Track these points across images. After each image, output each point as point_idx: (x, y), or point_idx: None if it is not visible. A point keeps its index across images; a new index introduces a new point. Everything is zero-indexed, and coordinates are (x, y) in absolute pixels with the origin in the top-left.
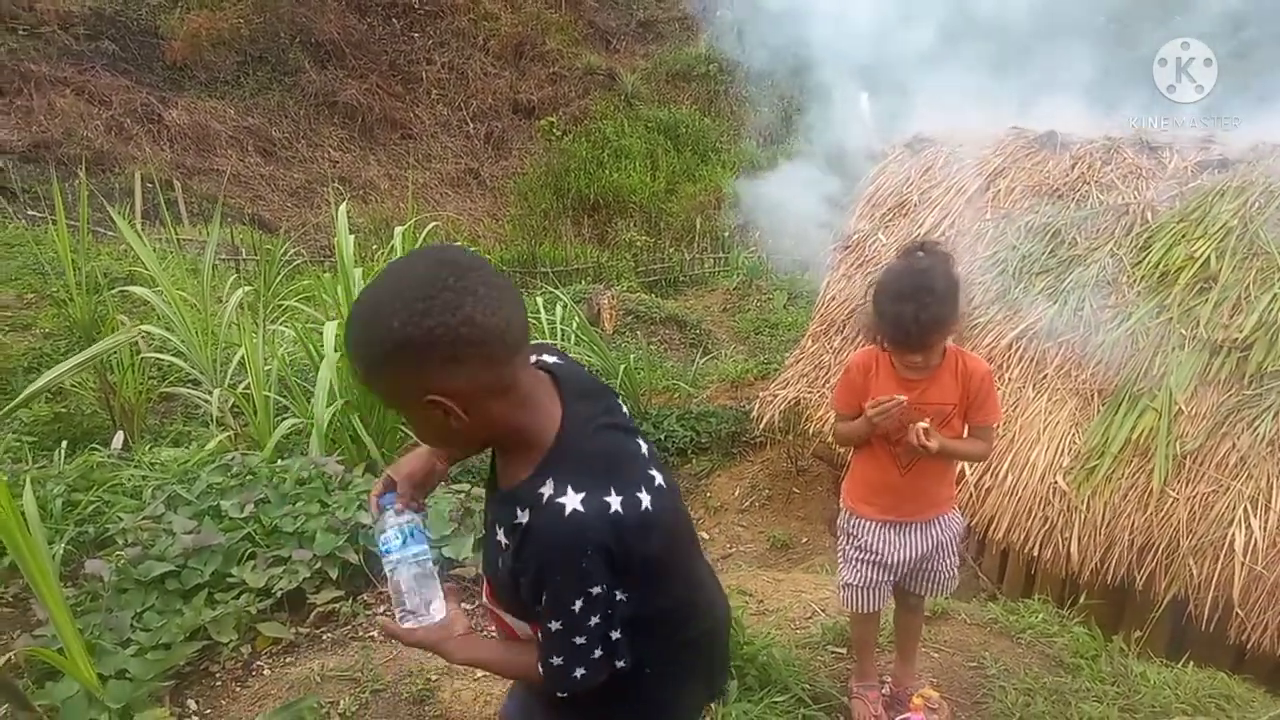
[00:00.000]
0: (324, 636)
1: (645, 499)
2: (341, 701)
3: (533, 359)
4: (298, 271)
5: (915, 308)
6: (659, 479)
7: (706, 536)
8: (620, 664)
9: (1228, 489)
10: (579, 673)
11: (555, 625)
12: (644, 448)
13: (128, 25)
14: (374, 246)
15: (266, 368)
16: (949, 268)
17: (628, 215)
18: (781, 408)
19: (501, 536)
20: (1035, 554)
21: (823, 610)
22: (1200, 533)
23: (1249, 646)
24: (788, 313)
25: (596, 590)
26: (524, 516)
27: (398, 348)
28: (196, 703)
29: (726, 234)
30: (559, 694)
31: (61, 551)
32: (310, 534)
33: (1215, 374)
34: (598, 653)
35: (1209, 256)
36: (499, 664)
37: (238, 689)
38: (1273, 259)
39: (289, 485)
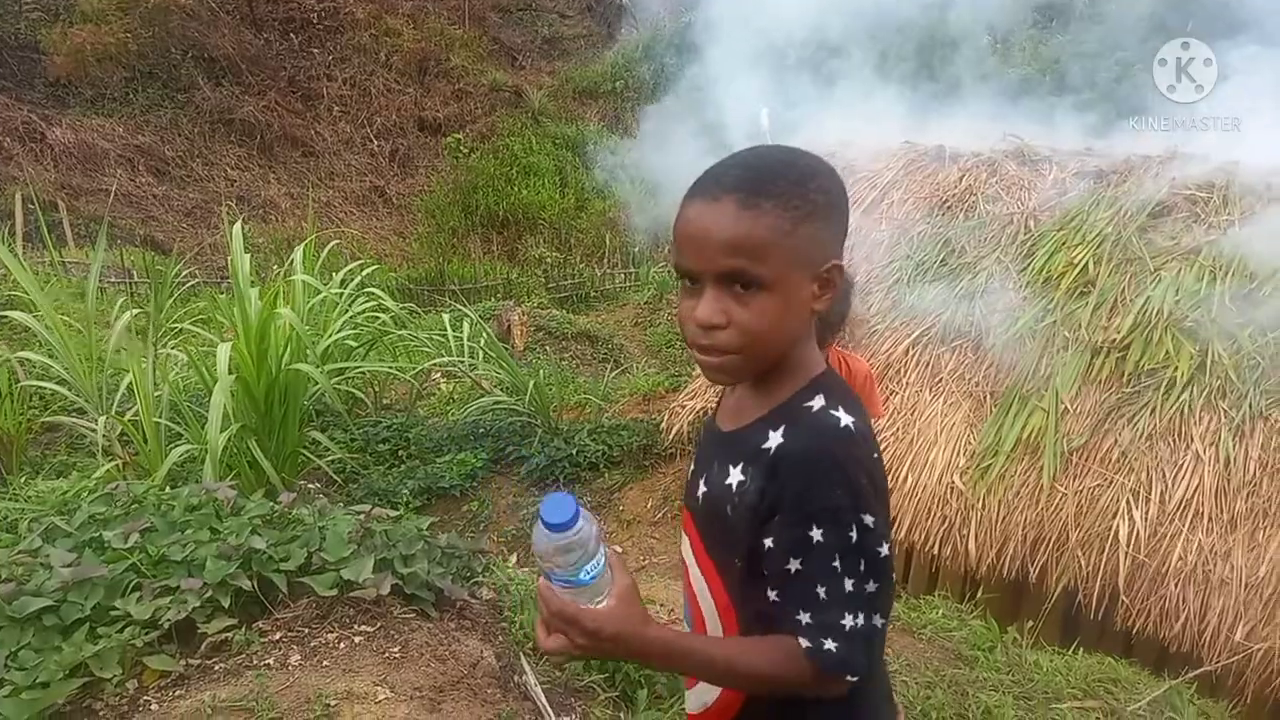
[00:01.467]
0: (216, 667)
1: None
2: None
3: None
4: (193, 294)
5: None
6: None
7: (620, 550)
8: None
9: (1111, 482)
10: (876, 622)
11: (831, 557)
12: None
13: (5, 40)
14: (274, 267)
15: (157, 393)
16: None
17: (537, 232)
18: (690, 418)
19: (737, 474)
20: (935, 552)
21: None
22: (1087, 525)
23: (1134, 631)
24: None
25: (870, 520)
26: (776, 437)
27: (832, 200)
28: None
29: (636, 249)
30: (847, 676)
31: None
32: (200, 562)
33: (1097, 373)
34: (877, 616)
35: (1087, 262)
36: (728, 662)
37: None
38: (1145, 264)
39: (178, 513)
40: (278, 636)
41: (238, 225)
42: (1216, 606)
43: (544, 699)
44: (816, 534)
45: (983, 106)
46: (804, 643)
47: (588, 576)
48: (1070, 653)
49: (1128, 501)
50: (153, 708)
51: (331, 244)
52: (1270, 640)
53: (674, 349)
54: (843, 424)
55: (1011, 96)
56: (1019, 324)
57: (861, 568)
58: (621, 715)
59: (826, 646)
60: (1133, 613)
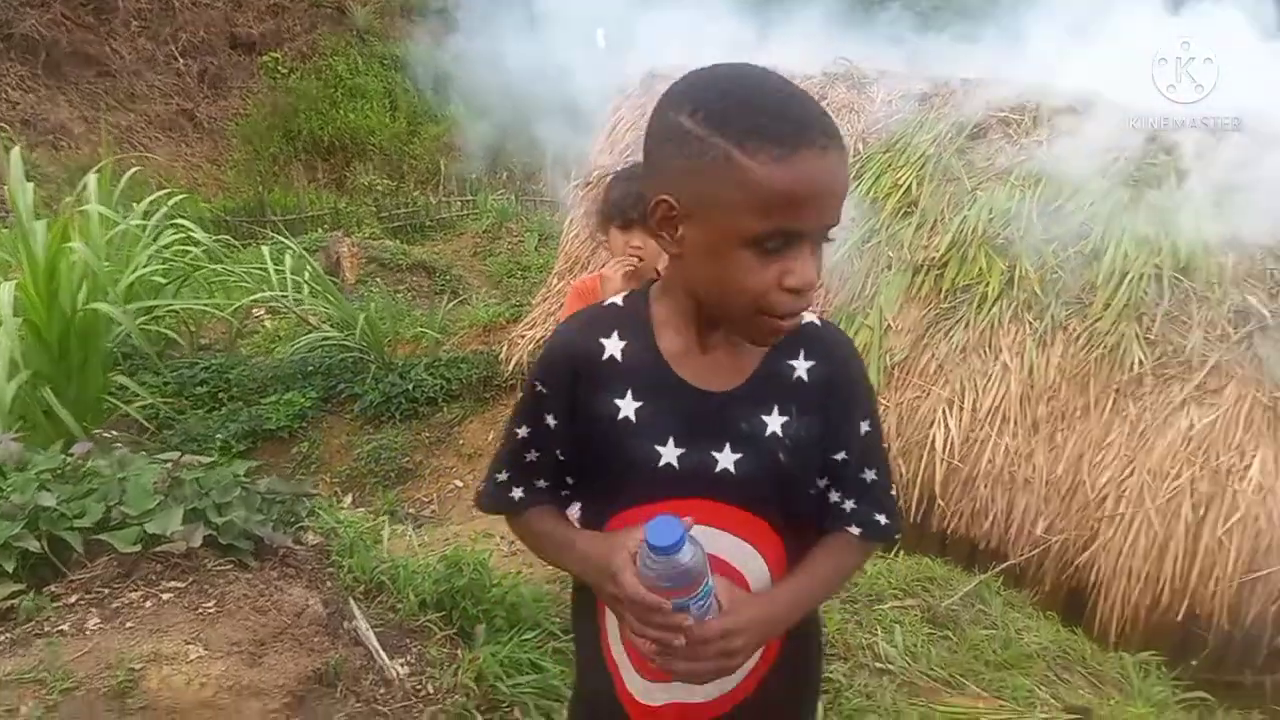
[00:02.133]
0: (1, 637)
1: None
2: (23, 707)
3: None
4: None
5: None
6: None
7: (460, 484)
8: None
9: (929, 394)
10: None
11: (876, 443)
12: None
13: None
14: (67, 198)
15: None
16: None
17: (367, 158)
18: (530, 348)
19: (777, 418)
20: None
21: None
22: (907, 435)
23: (949, 532)
24: (539, 254)
25: None
26: (803, 364)
27: None
28: None
29: (474, 176)
30: (897, 535)
31: None
32: None
33: (918, 291)
34: None
35: (910, 183)
36: (826, 582)
37: None
38: (963, 184)
39: None
40: (73, 600)
41: (15, 151)
42: (1021, 505)
43: (375, 642)
44: (865, 426)
45: (813, 27)
46: (855, 530)
47: (706, 606)
48: (891, 556)
49: (943, 411)
50: None
51: (132, 171)
52: (1066, 533)
53: (514, 279)
54: (829, 321)
55: (841, 17)
56: (848, 244)
57: (885, 442)
58: (459, 651)
59: (882, 521)
60: (948, 514)
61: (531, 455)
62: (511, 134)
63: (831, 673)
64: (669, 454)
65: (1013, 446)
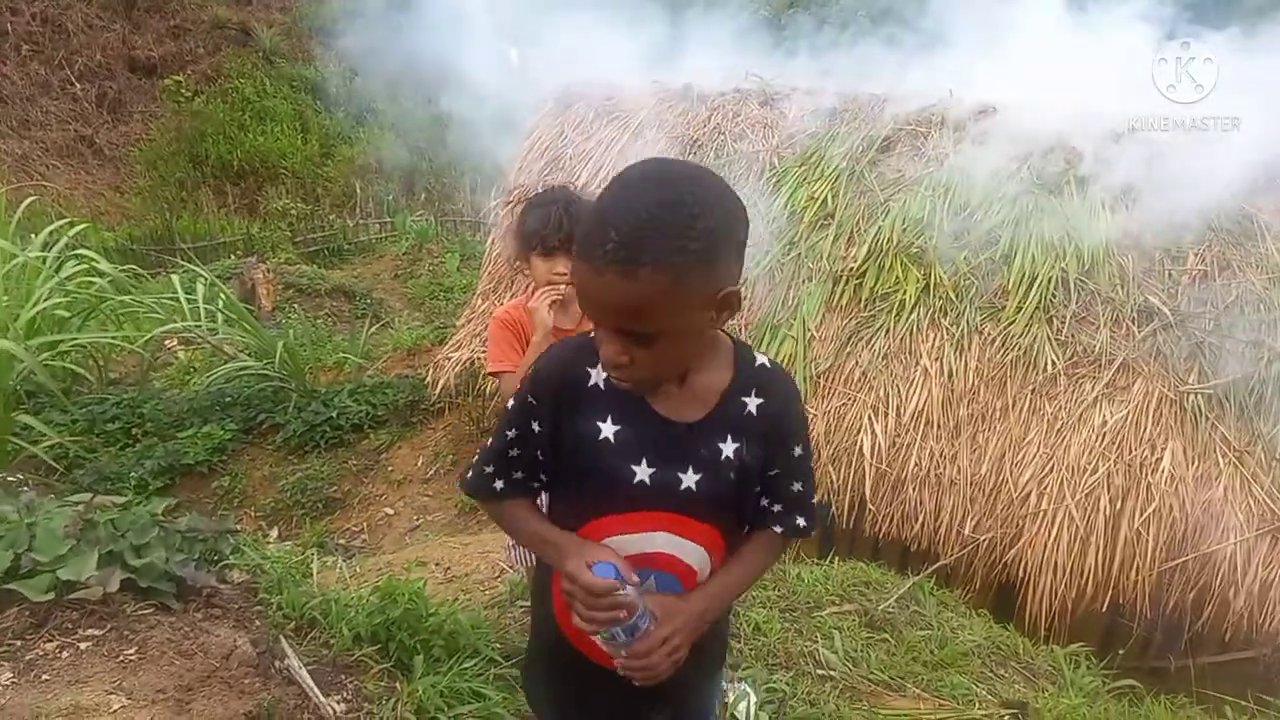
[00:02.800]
0: None
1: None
2: None
3: None
4: None
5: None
6: None
7: (391, 512)
8: None
9: (855, 400)
10: None
11: (805, 462)
12: None
13: None
14: None
15: None
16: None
17: (279, 182)
18: (457, 370)
19: (730, 445)
20: None
21: (511, 567)
22: (836, 442)
23: (881, 536)
24: (462, 275)
25: None
26: (754, 401)
27: (718, 236)
28: None
29: (390, 198)
30: (812, 534)
31: None
32: None
33: (838, 300)
34: None
35: (826, 196)
36: (750, 573)
37: None
38: (876, 195)
39: None
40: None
41: None
42: (948, 505)
43: (309, 680)
44: (798, 450)
45: (725, 44)
46: (778, 529)
47: (644, 623)
48: (828, 563)
49: (869, 417)
50: None
51: (28, 200)
52: (992, 531)
53: (437, 300)
54: (777, 363)
55: (747, 33)
56: (769, 257)
57: (812, 460)
58: (397, 684)
59: (801, 523)
60: (879, 518)
61: (515, 452)
62: (427, 154)
63: (775, 682)
64: (642, 472)
65: (937, 449)
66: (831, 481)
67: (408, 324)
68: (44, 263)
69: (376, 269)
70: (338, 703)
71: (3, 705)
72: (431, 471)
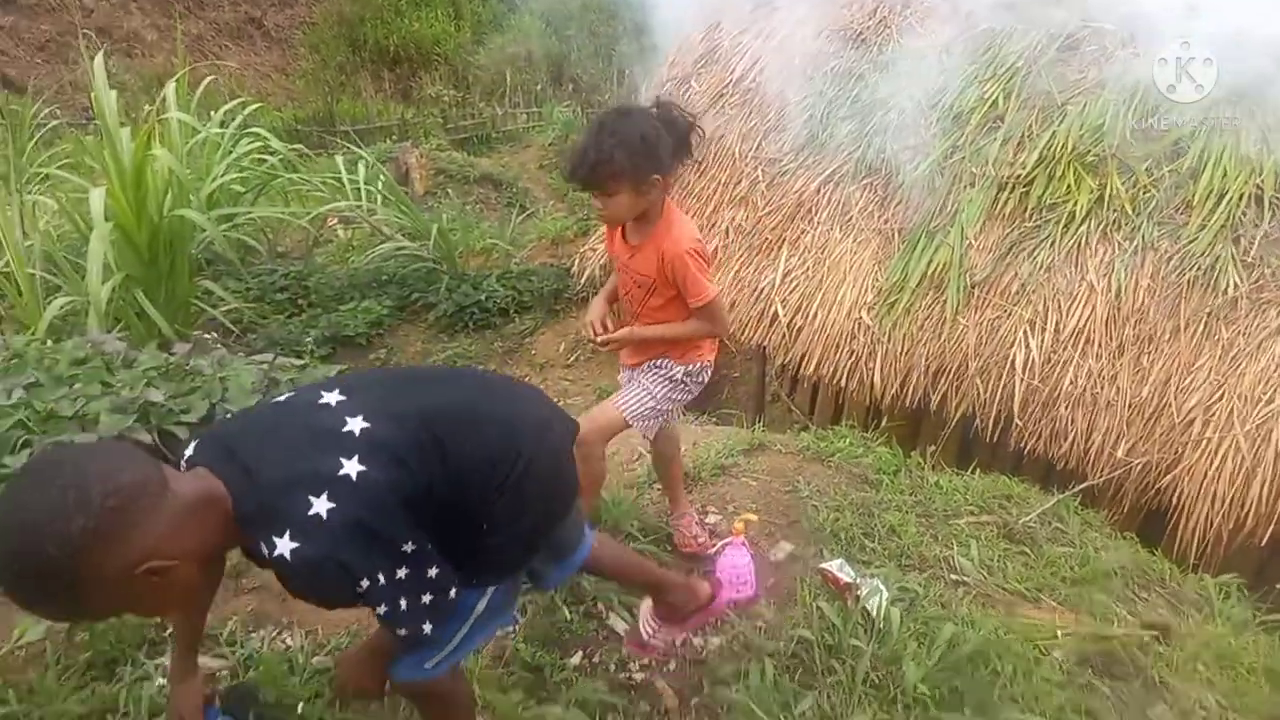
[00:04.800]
0: None
1: (349, 468)
2: None
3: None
4: (56, 136)
5: (592, 144)
6: (355, 425)
7: None
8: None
9: (1010, 314)
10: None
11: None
12: (326, 401)
13: None
14: (145, 105)
15: (28, 243)
16: (649, 123)
17: (433, 68)
18: (601, 262)
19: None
20: (843, 385)
21: (648, 453)
22: (986, 355)
23: (1026, 452)
24: None
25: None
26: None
27: (76, 555)
28: None
29: (539, 87)
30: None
31: None
32: (94, 416)
33: (1001, 208)
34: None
35: (997, 97)
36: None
37: None
38: (1053, 98)
39: (64, 367)
40: None
41: (99, 58)
42: (1101, 426)
43: None
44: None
45: None
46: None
47: None
48: (968, 473)
49: (1025, 331)
50: None
51: (207, 80)
52: (1148, 455)
53: (579, 192)
54: (290, 559)
55: None
56: (929, 161)
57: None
58: None
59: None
60: (1025, 434)
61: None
62: (577, 43)
63: (907, 582)
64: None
65: (1095, 369)
66: (979, 394)
67: (551, 214)
68: (221, 139)
69: (523, 158)
70: None
71: None
72: (573, 357)
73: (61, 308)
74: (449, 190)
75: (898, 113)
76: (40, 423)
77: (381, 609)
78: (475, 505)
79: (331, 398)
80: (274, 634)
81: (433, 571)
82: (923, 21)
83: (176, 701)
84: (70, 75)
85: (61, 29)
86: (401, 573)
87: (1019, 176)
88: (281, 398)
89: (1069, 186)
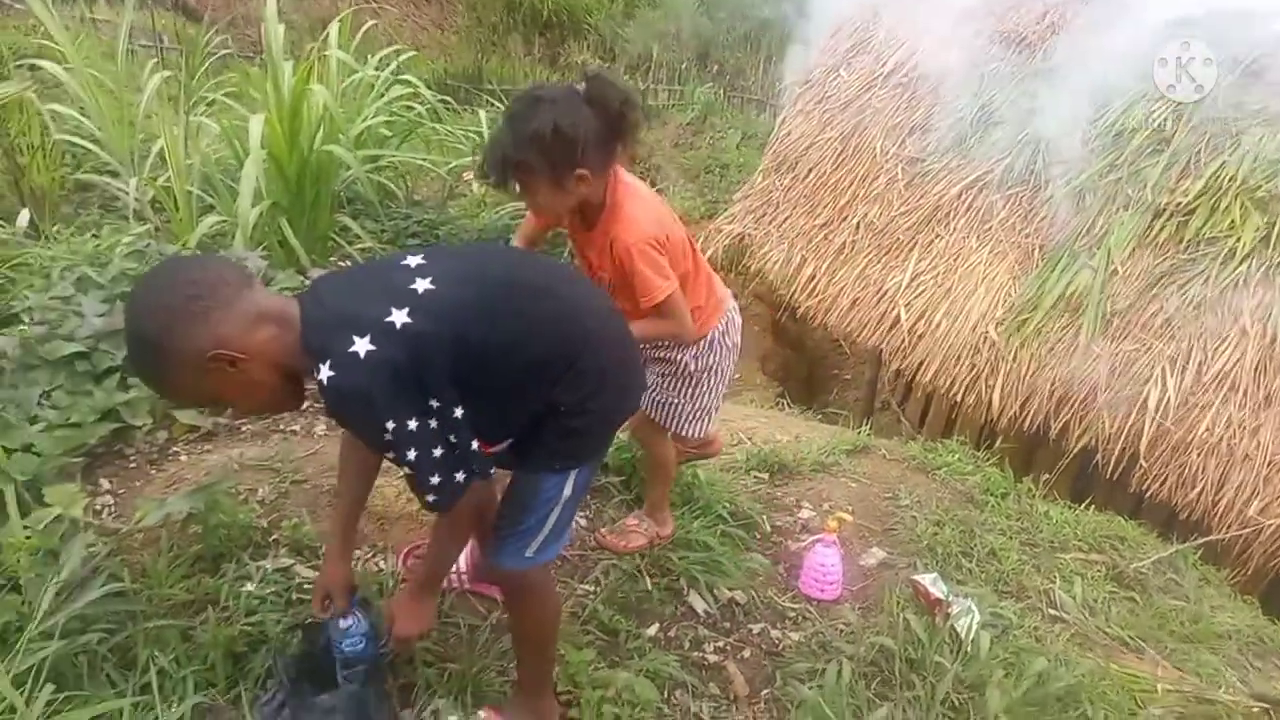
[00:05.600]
0: (243, 428)
1: (396, 317)
2: (260, 490)
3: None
4: (224, 65)
5: (500, 139)
6: (421, 285)
7: None
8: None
9: (1149, 348)
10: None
11: (404, 467)
12: (407, 263)
13: None
14: (308, 45)
15: (189, 161)
16: (567, 110)
17: (581, 37)
18: (726, 243)
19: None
20: (959, 399)
21: (748, 438)
22: (1117, 388)
23: (1147, 495)
24: (740, 153)
25: (405, 421)
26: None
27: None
28: (110, 482)
29: (684, 65)
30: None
31: None
32: None
33: (1155, 236)
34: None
35: (1165, 119)
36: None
37: (152, 471)
38: (1226, 126)
39: None
40: (305, 406)
41: None
42: (1235, 480)
43: None
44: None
45: None
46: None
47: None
48: (1081, 508)
49: (1164, 369)
50: (181, 458)
51: (368, 25)
52: None
53: (711, 174)
54: (327, 382)
55: None
56: (1082, 177)
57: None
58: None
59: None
60: (1149, 477)
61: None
62: (727, 26)
63: (1002, 609)
64: None
65: (1237, 418)
66: (1103, 428)
67: (681, 193)
68: (376, 82)
69: (659, 135)
70: (582, 519)
71: (317, 450)
72: None
73: (211, 226)
74: None
75: (1055, 123)
76: None
77: (401, 455)
78: (545, 379)
79: (413, 260)
80: (369, 555)
81: (453, 436)
82: (1094, 33)
83: (329, 578)
84: (243, 9)
85: None
86: (418, 424)
87: (1179, 204)
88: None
89: (1233, 221)
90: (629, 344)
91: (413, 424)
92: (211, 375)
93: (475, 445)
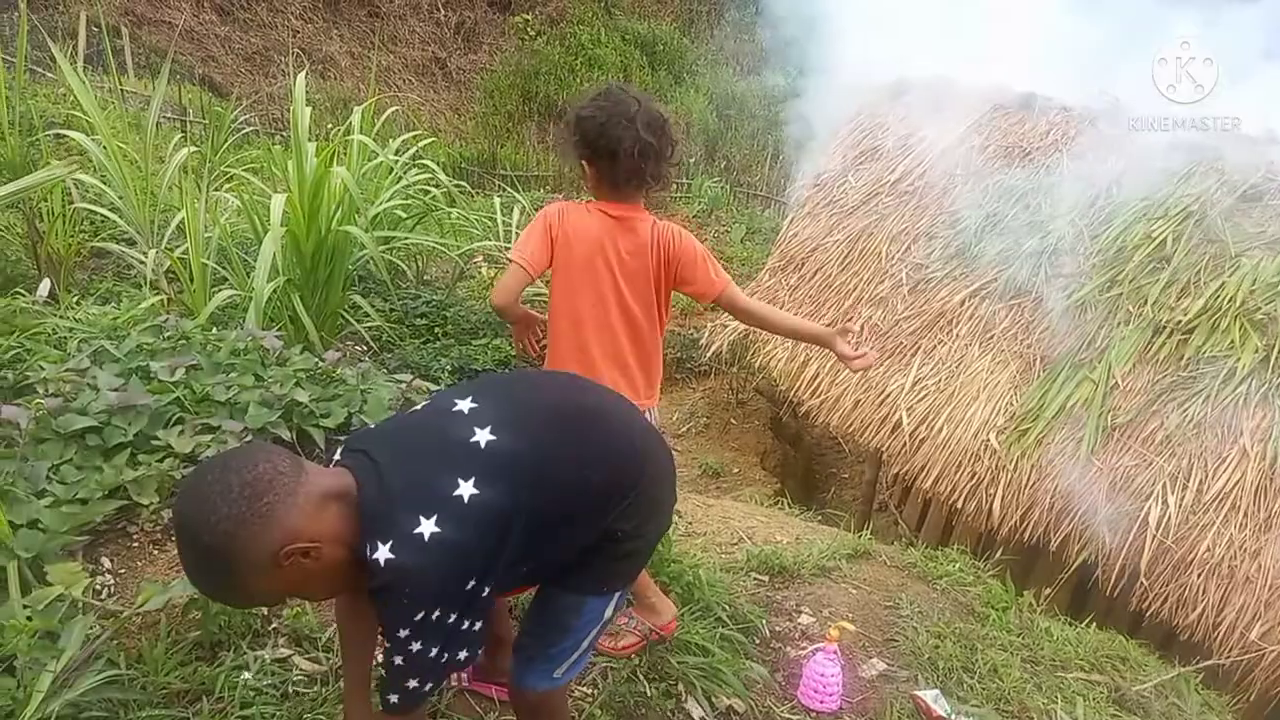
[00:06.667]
0: None
1: (464, 489)
2: None
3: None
4: (247, 141)
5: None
6: (481, 437)
7: None
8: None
9: (1150, 464)
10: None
11: (398, 658)
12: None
13: None
14: (328, 125)
15: (207, 234)
16: (605, 112)
17: None
18: (730, 339)
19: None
20: (958, 506)
21: (748, 537)
22: (1117, 503)
23: (1147, 613)
24: (744, 247)
25: (437, 614)
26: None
27: (227, 540)
28: (111, 561)
29: (692, 159)
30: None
31: None
32: (243, 406)
33: (1155, 352)
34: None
35: (1165, 238)
36: None
37: (155, 552)
38: (1225, 247)
39: (223, 354)
40: None
41: (302, 76)
42: (1236, 603)
43: None
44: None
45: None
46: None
47: None
48: (1082, 625)
49: (1164, 485)
50: None
51: (390, 111)
52: None
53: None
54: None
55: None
56: (1084, 291)
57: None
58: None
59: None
60: (1149, 596)
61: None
62: (735, 124)
63: None
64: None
65: (1238, 539)
66: (1104, 544)
67: None
68: (395, 166)
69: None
70: None
71: None
72: (685, 429)
73: (225, 299)
74: None
75: (1057, 237)
76: (195, 404)
77: (405, 646)
78: (603, 509)
79: (464, 404)
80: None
81: (468, 623)
82: (1095, 150)
83: None
84: (269, 87)
85: (268, 44)
86: (440, 616)
87: (1179, 323)
88: (419, 405)
89: (1233, 342)
90: (668, 458)
91: (437, 614)
92: (287, 571)
93: (479, 627)
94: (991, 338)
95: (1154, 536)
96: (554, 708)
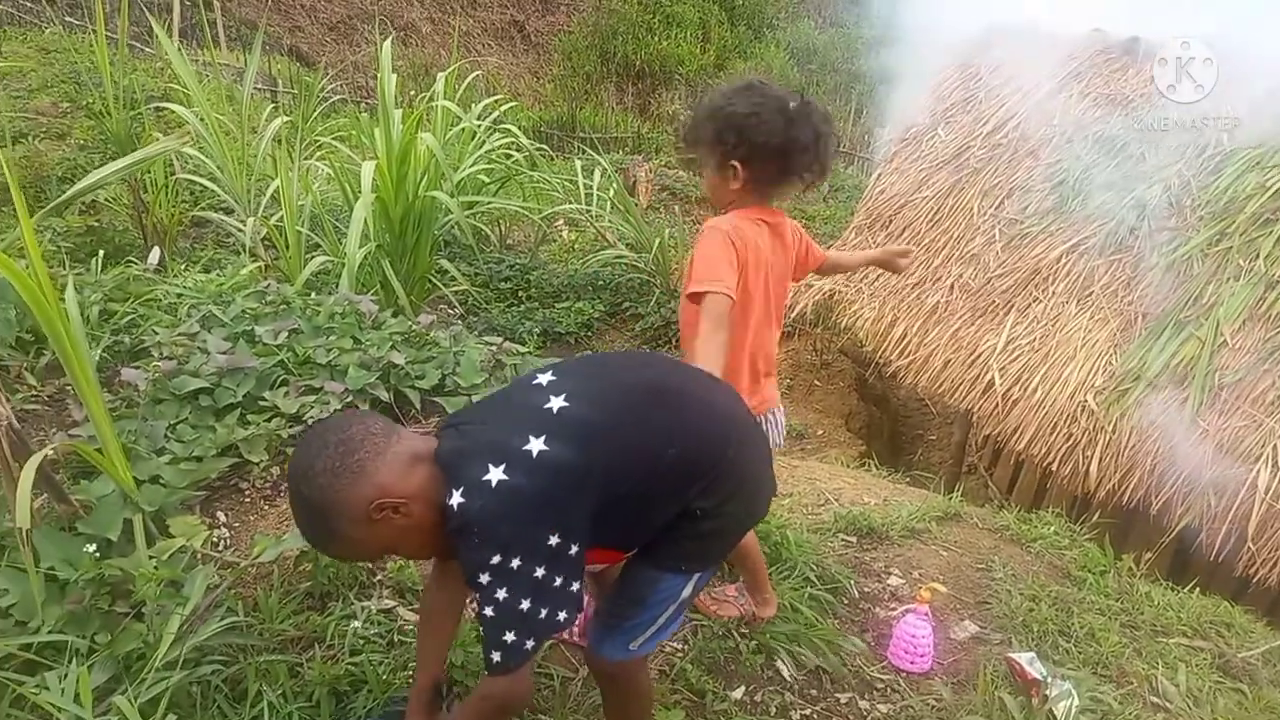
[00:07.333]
0: None
1: (534, 445)
2: None
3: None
4: (335, 109)
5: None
6: (555, 403)
7: None
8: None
9: (1260, 425)
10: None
11: (488, 608)
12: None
13: None
14: (412, 91)
15: (300, 202)
16: (761, 108)
17: (673, 87)
18: (815, 299)
19: None
20: (1053, 469)
21: (835, 499)
22: (1225, 465)
23: (1254, 579)
24: (826, 205)
25: (516, 562)
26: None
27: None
28: (225, 515)
29: None
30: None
31: (98, 358)
32: (343, 368)
33: (1268, 309)
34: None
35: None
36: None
37: (266, 506)
38: None
39: (322, 318)
40: None
41: (387, 43)
42: None
43: None
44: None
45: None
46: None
47: None
48: (1184, 590)
49: (1275, 447)
50: None
51: (471, 76)
52: None
53: None
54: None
55: None
56: (1190, 244)
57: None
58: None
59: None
60: (1256, 559)
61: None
62: (818, 79)
63: (1101, 694)
64: None
65: None
66: (1208, 507)
67: None
68: (477, 131)
69: None
70: None
71: None
72: None
73: (319, 265)
74: (671, 207)
75: (1162, 189)
76: (298, 365)
77: (490, 594)
78: (685, 484)
79: (544, 378)
80: None
81: (558, 580)
82: (1207, 96)
83: None
84: (354, 56)
85: (352, 13)
86: (521, 564)
87: None
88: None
89: None
90: (765, 444)
91: (516, 562)
92: (379, 525)
93: (576, 587)
94: (1090, 295)
95: (1263, 500)
96: (629, 677)
